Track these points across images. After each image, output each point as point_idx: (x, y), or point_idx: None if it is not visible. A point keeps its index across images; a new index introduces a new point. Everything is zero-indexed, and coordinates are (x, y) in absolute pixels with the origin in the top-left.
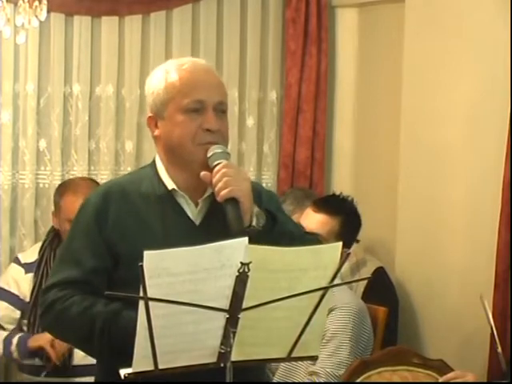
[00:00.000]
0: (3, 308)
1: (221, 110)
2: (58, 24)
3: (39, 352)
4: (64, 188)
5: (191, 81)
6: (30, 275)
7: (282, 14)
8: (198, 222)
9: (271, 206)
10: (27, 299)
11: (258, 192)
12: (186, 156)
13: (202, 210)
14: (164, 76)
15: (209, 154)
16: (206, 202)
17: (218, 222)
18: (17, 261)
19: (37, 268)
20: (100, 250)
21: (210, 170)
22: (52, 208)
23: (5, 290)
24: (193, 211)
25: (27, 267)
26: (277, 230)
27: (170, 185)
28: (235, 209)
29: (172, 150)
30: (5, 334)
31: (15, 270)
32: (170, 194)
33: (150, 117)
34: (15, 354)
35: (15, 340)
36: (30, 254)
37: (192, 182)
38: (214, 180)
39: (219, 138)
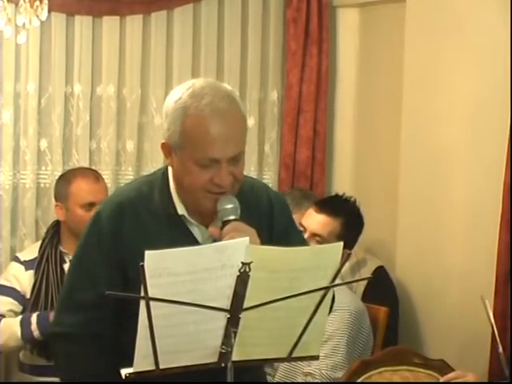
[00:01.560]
0: (8, 303)
1: (236, 159)
2: (58, 24)
3: None
4: (71, 175)
5: (207, 137)
6: (31, 272)
7: (283, 13)
8: None
9: (283, 219)
10: (27, 296)
11: (269, 206)
12: (194, 200)
13: (212, 236)
14: (182, 118)
15: (219, 208)
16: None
17: None
18: (16, 259)
19: (37, 265)
20: (114, 271)
21: (220, 223)
22: (52, 207)
23: (6, 287)
24: (203, 235)
25: (27, 264)
26: None
27: (181, 210)
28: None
29: (182, 186)
30: (19, 317)
31: (15, 268)
32: (180, 217)
33: (164, 143)
34: (36, 333)
35: (34, 318)
36: (30, 252)
37: (203, 209)
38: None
39: (230, 189)
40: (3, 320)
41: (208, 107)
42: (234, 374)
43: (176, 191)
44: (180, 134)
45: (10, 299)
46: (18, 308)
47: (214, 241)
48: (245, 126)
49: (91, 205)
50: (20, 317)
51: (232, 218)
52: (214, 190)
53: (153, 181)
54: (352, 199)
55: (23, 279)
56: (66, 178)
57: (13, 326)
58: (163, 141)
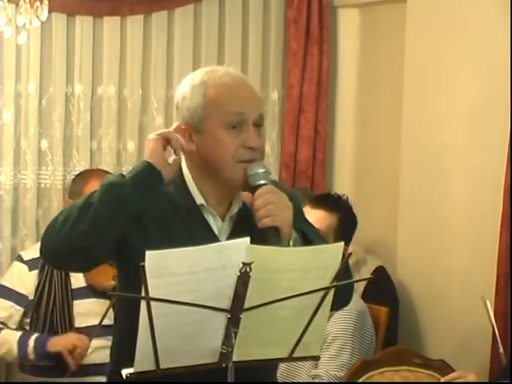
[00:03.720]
0: (7, 307)
1: (259, 124)
2: (59, 24)
3: (57, 357)
4: (89, 174)
5: (232, 94)
6: (35, 272)
7: (284, 14)
8: (222, 239)
9: (299, 216)
10: (31, 297)
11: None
12: (224, 173)
13: (229, 227)
14: (203, 90)
15: (251, 173)
16: (232, 218)
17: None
18: (19, 259)
19: (42, 265)
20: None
21: (250, 188)
22: (53, 207)
23: (8, 289)
24: (218, 227)
25: (31, 264)
26: None
27: (199, 199)
28: (275, 237)
29: (208, 164)
30: (18, 334)
31: (18, 268)
32: (198, 208)
33: (183, 128)
34: (32, 357)
35: (32, 342)
36: (34, 251)
37: (221, 197)
38: (256, 204)
39: (259, 155)
40: (3, 332)
41: (225, 75)
42: (247, 375)
43: (194, 181)
44: (204, 105)
45: (10, 302)
46: (19, 311)
47: (231, 232)
48: (261, 98)
49: None
50: (19, 335)
51: (263, 182)
52: (246, 157)
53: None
54: (344, 197)
55: (27, 280)
56: (82, 177)
57: (11, 342)
58: (182, 126)
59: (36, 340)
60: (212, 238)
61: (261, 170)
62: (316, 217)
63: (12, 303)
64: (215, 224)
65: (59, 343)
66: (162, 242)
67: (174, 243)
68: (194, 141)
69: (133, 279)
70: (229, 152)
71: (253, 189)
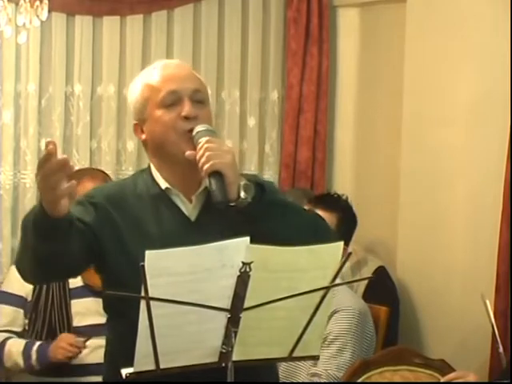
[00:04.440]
0: (10, 312)
1: (198, 99)
2: (59, 24)
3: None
4: (81, 174)
5: (163, 76)
6: None
7: (284, 14)
8: (193, 218)
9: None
10: (30, 298)
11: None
12: (172, 149)
13: (197, 206)
14: (139, 81)
15: (194, 134)
16: (199, 197)
17: (214, 217)
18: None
19: None
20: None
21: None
22: None
23: (9, 294)
24: (187, 208)
25: None
26: (267, 200)
27: (163, 184)
28: (218, 181)
29: (159, 147)
30: (22, 344)
31: (16, 271)
32: (164, 193)
33: (135, 124)
34: (37, 367)
35: (34, 354)
36: None
37: (184, 179)
38: (198, 156)
39: (199, 123)
40: (8, 344)
41: (159, 64)
42: (246, 373)
43: (157, 167)
44: (141, 92)
45: (12, 307)
46: (21, 315)
47: (200, 212)
48: (200, 78)
49: None
50: (22, 347)
51: (206, 138)
52: (185, 127)
53: (135, 174)
54: (344, 196)
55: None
56: (75, 176)
57: (15, 356)
58: (134, 122)
59: (37, 351)
60: (181, 217)
61: (202, 129)
62: None
63: (14, 307)
64: (183, 205)
65: (59, 353)
66: (136, 237)
67: (148, 232)
68: (144, 131)
69: (115, 279)
70: (168, 126)
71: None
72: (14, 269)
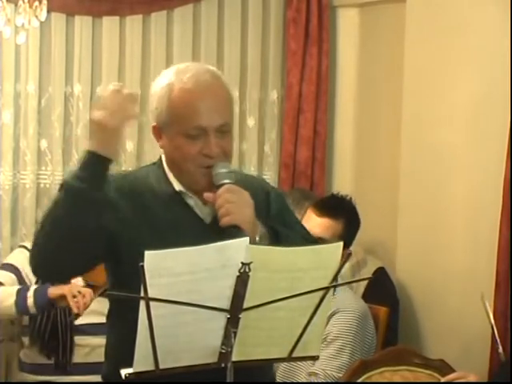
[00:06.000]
0: (7, 276)
1: (223, 131)
2: (58, 24)
3: (59, 303)
4: None
5: (192, 105)
6: None
7: (283, 14)
8: (208, 221)
9: (278, 204)
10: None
11: (265, 193)
12: (187, 176)
13: (212, 208)
14: (167, 93)
15: (214, 173)
16: None
17: None
18: (24, 247)
19: None
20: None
21: (215, 188)
22: None
23: (10, 265)
24: (202, 210)
25: None
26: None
27: (177, 186)
28: (238, 235)
29: (175, 165)
30: (15, 289)
31: (23, 254)
32: (178, 194)
33: (154, 126)
34: (33, 310)
35: (31, 293)
36: None
37: (198, 186)
38: (217, 205)
39: (219, 160)
40: (1, 288)
41: (191, 79)
42: (243, 374)
43: (171, 170)
44: (167, 110)
45: (10, 274)
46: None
47: (215, 213)
48: (230, 99)
49: None
50: (16, 290)
51: (227, 181)
52: (205, 164)
53: (146, 168)
54: (348, 197)
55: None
56: None
57: (8, 299)
58: (153, 124)
59: (35, 291)
60: (196, 220)
61: (223, 170)
62: (321, 225)
63: (12, 275)
64: (197, 208)
65: (62, 287)
66: (150, 232)
67: (162, 232)
68: (162, 139)
69: (126, 279)
70: (188, 158)
71: (217, 188)
72: (21, 251)
